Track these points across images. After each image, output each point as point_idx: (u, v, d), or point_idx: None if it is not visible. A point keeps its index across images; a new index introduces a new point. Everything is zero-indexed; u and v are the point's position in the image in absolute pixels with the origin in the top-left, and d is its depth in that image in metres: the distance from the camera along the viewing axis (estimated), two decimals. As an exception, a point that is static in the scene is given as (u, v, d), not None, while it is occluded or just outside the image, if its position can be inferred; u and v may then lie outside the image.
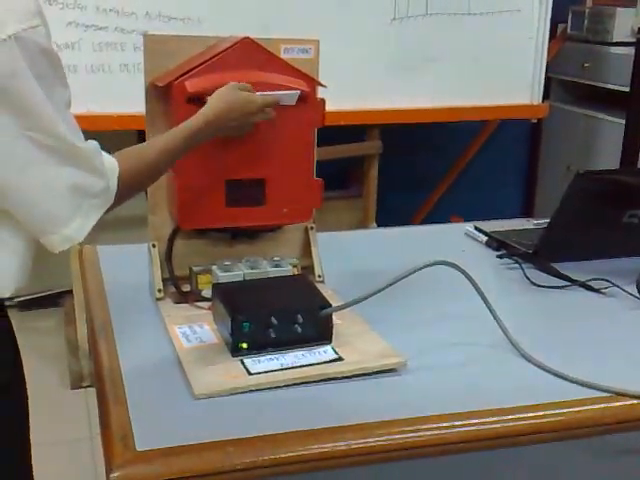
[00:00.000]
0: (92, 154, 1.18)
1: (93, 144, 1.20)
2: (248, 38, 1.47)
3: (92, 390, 3.01)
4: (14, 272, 1.22)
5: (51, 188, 1.14)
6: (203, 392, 1.21)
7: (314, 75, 1.54)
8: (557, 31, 4.17)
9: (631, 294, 1.64)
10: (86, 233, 1.19)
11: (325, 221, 1.88)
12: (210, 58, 1.45)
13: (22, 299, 3.59)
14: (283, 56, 1.51)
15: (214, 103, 1.40)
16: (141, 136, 1.56)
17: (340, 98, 2.89)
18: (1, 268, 1.20)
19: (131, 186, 1.27)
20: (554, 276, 1.73)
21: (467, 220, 2.16)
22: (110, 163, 1.22)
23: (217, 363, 1.29)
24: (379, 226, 3.60)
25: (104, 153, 1.22)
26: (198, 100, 1.43)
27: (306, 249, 1.66)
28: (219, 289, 1.43)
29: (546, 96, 3.85)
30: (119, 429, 1.11)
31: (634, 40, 3.76)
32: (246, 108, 1.42)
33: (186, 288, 1.57)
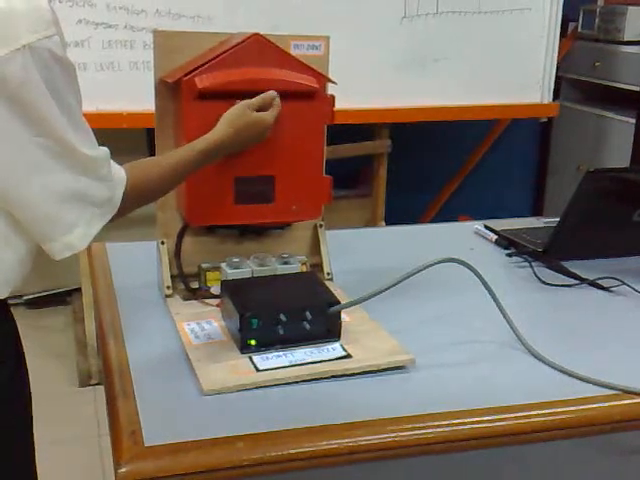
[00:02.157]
0: (100, 162, 1.18)
1: (103, 152, 1.20)
2: (258, 34, 1.46)
3: (100, 388, 3.03)
4: (13, 273, 1.20)
5: (55, 195, 1.13)
6: (212, 388, 1.21)
7: (324, 71, 1.54)
8: (568, 30, 4.16)
9: (641, 293, 1.63)
10: (88, 242, 1.18)
11: (334, 220, 1.88)
12: (220, 54, 1.45)
13: (30, 297, 3.60)
14: (293, 52, 1.51)
15: (223, 127, 1.41)
16: (150, 134, 1.56)
17: (350, 96, 2.89)
18: (1, 267, 1.18)
19: (138, 199, 1.27)
20: (564, 274, 1.73)
21: (476, 219, 2.15)
22: (118, 173, 1.22)
23: (225, 360, 1.29)
24: (387, 225, 3.59)
25: (113, 163, 1.22)
26: (207, 96, 1.43)
27: (315, 247, 1.66)
28: (228, 286, 1.43)
29: (556, 95, 3.85)
30: (128, 425, 1.11)
31: (645, 39, 3.76)
32: (255, 130, 1.44)
33: (195, 285, 1.57)
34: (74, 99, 1.14)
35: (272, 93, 1.45)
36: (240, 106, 1.43)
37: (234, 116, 1.42)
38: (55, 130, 1.10)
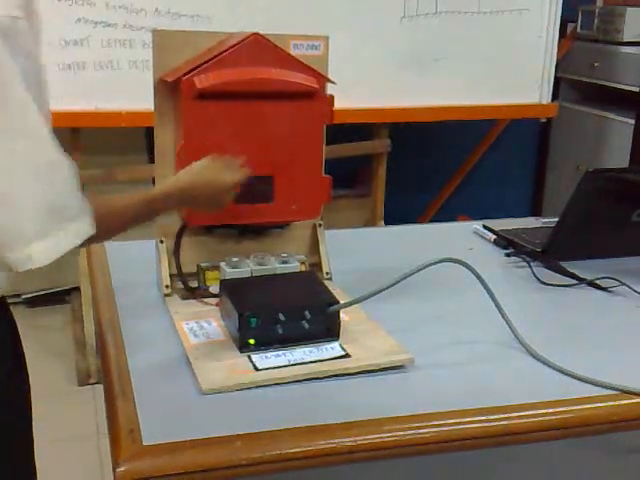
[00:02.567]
0: (73, 172, 1.11)
1: (71, 163, 1.12)
2: (257, 34, 1.46)
3: (99, 387, 3.02)
4: None
5: (20, 202, 1.06)
6: (210, 387, 1.21)
7: (323, 71, 1.54)
8: (567, 30, 4.17)
9: (639, 293, 1.63)
10: (53, 258, 1.09)
11: (333, 220, 1.88)
12: (219, 54, 1.45)
13: (29, 296, 3.60)
14: (292, 52, 1.51)
15: (183, 177, 1.38)
16: (149, 133, 1.56)
17: (349, 96, 2.90)
18: None
19: (99, 231, 1.15)
20: (562, 274, 1.73)
21: (475, 219, 2.16)
22: (83, 197, 1.13)
23: (224, 359, 1.29)
24: (387, 225, 3.60)
25: None
26: (207, 96, 1.43)
27: (314, 246, 1.66)
28: (227, 285, 1.43)
29: (555, 95, 3.85)
30: (126, 424, 1.11)
31: (644, 40, 3.76)
32: (215, 188, 1.40)
33: (194, 284, 1.57)
34: (38, 103, 1.07)
35: (239, 161, 1.44)
36: (206, 160, 1.40)
37: (196, 170, 1.39)
38: (30, 123, 1.04)
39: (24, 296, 3.55)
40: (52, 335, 3.46)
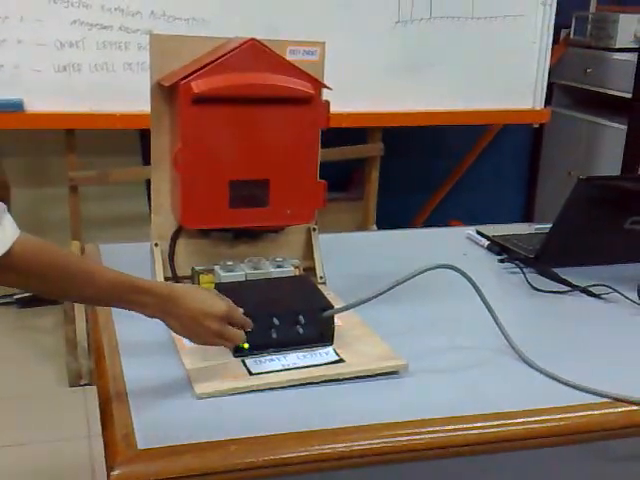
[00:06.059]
0: None
1: None
2: (254, 39, 1.47)
3: (90, 388, 3.01)
4: None
5: None
6: (204, 392, 1.21)
7: (319, 77, 1.55)
8: (560, 36, 4.18)
9: (631, 300, 1.64)
10: None
11: (325, 223, 1.89)
12: (216, 59, 1.45)
13: (21, 296, 3.58)
14: (289, 57, 1.51)
15: (166, 289, 1.23)
16: (144, 135, 1.56)
17: (343, 100, 2.89)
18: None
19: (29, 269, 1.06)
20: (555, 281, 1.74)
21: (467, 224, 2.16)
22: (11, 224, 1.03)
23: (219, 363, 1.30)
24: (379, 229, 3.60)
25: (8, 216, 1.04)
26: (203, 101, 1.44)
27: (308, 250, 1.66)
28: (221, 289, 1.42)
29: (548, 101, 3.86)
30: (121, 428, 1.11)
31: (637, 46, 3.78)
32: (203, 311, 1.22)
33: (188, 288, 1.57)
34: None
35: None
36: (213, 292, 1.29)
37: (193, 287, 1.28)
38: None
39: (16, 297, 3.54)
40: (43, 336, 3.44)
